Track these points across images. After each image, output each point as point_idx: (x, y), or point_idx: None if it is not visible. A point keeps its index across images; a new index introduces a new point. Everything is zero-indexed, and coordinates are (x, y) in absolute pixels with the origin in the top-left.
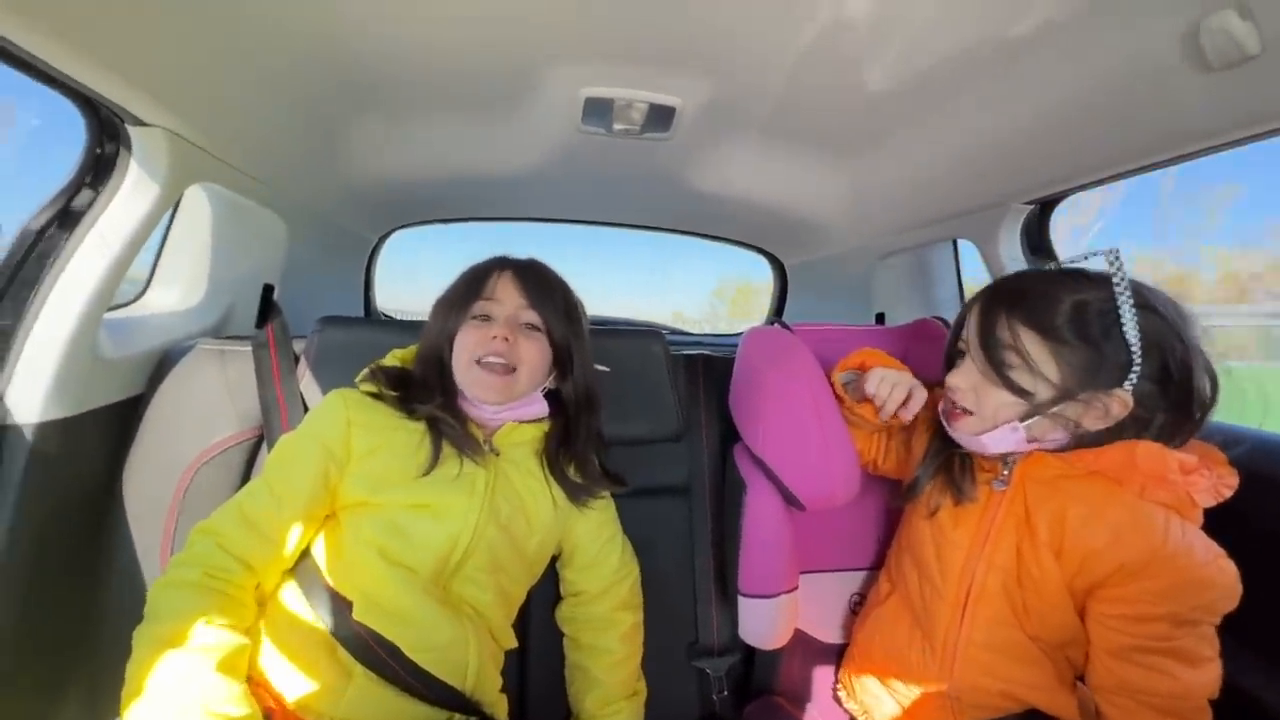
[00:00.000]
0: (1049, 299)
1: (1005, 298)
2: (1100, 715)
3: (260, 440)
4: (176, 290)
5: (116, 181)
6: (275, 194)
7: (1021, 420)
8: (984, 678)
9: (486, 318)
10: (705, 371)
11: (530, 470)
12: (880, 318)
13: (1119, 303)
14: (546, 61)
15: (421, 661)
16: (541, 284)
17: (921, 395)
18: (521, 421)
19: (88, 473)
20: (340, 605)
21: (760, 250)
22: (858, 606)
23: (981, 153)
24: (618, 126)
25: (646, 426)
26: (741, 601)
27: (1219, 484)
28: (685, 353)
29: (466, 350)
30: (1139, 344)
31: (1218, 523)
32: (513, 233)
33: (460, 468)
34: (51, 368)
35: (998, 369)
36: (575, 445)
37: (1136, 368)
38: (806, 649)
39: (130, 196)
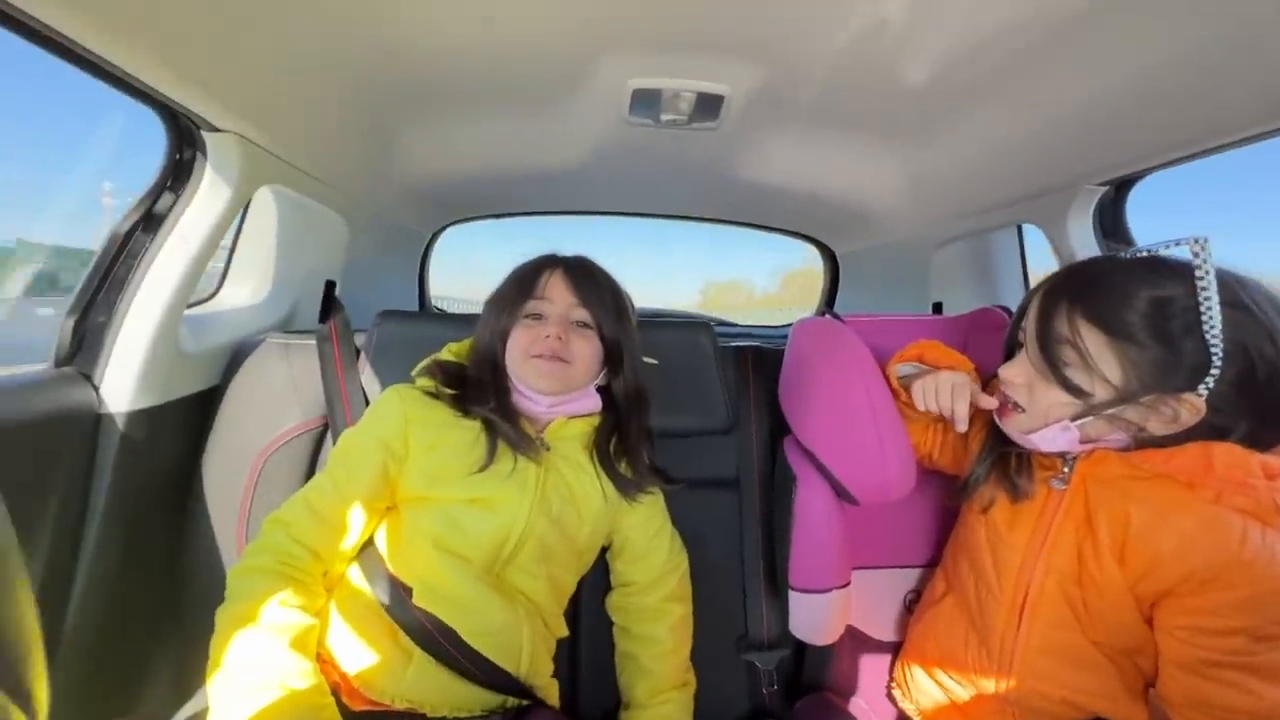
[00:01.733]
0: (1122, 293)
1: (1071, 288)
2: None
3: (324, 430)
4: (247, 287)
5: (194, 185)
6: (336, 194)
7: (1074, 420)
8: (1043, 683)
9: (539, 316)
10: (755, 363)
11: (580, 464)
12: (938, 308)
13: (1201, 299)
14: (594, 54)
15: (477, 646)
16: (591, 282)
17: (979, 397)
18: (572, 417)
19: (170, 460)
20: (400, 592)
21: (810, 239)
22: (913, 604)
23: (1050, 131)
24: (665, 117)
25: (695, 419)
26: (792, 596)
27: None
28: (734, 344)
29: (520, 349)
30: (1220, 346)
31: None
32: (548, 226)
33: (514, 464)
34: (139, 361)
35: (1053, 365)
36: (626, 441)
37: (1215, 371)
38: (859, 645)
39: (206, 199)
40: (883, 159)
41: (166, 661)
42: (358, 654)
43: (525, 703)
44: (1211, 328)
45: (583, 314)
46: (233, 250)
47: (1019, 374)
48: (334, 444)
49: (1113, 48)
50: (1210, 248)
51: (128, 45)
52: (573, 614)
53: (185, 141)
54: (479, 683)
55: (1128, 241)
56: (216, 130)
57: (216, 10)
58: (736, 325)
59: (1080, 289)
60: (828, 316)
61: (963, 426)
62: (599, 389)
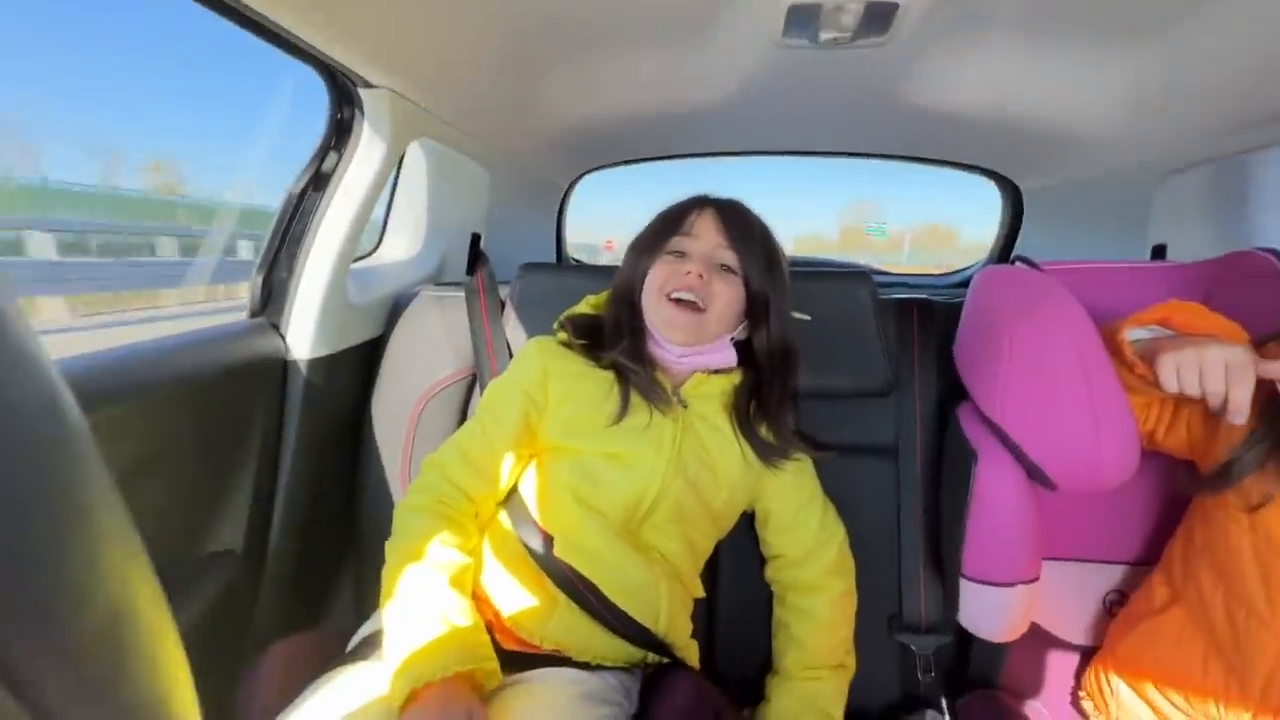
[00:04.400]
0: None
1: None
2: None
3: (474, 378)
4: (403, 242)
5: (354, 142)
6: (479, 145)
7: None
8: None
9: (681, 254)
10: (921, 319)
11: (718, 425)
12: (1159, 252)
13: None
14: None
15: (617, 601)
16: (742, 225)
17: (1263, 366)
18: (710, 372)
19: (344, 403)
20: (545, 540)
21: (991, 173)
22: (1114, 606)
23: None
24: (825, 35)
25: (850, 379)
26: (964, 585)
27: None
28: (897, 296)
29: (657, 284)
30: None
31: None
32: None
33: (650, 418)
34: (316, 312)
35: None
36: (768, 403)
37: None
38: (1042, 644)
39: (365, 155)
40: (1098, 70)
41: (347, 583)
42: (509, 595)
43: (666, 660)
44: None
45: (729, 256)
46: (390, 206)
47: None
48: (481, 393)
49: None
50: None
51: (291, 5)
52: (710, 577)
53: (344, 99)
54: (621, 635)
55: None
56: (371, 87)
57: None
58: (893, 275)
59: None
60: (1019, 264)
61: (1241, 419)
62: (741, 343)
